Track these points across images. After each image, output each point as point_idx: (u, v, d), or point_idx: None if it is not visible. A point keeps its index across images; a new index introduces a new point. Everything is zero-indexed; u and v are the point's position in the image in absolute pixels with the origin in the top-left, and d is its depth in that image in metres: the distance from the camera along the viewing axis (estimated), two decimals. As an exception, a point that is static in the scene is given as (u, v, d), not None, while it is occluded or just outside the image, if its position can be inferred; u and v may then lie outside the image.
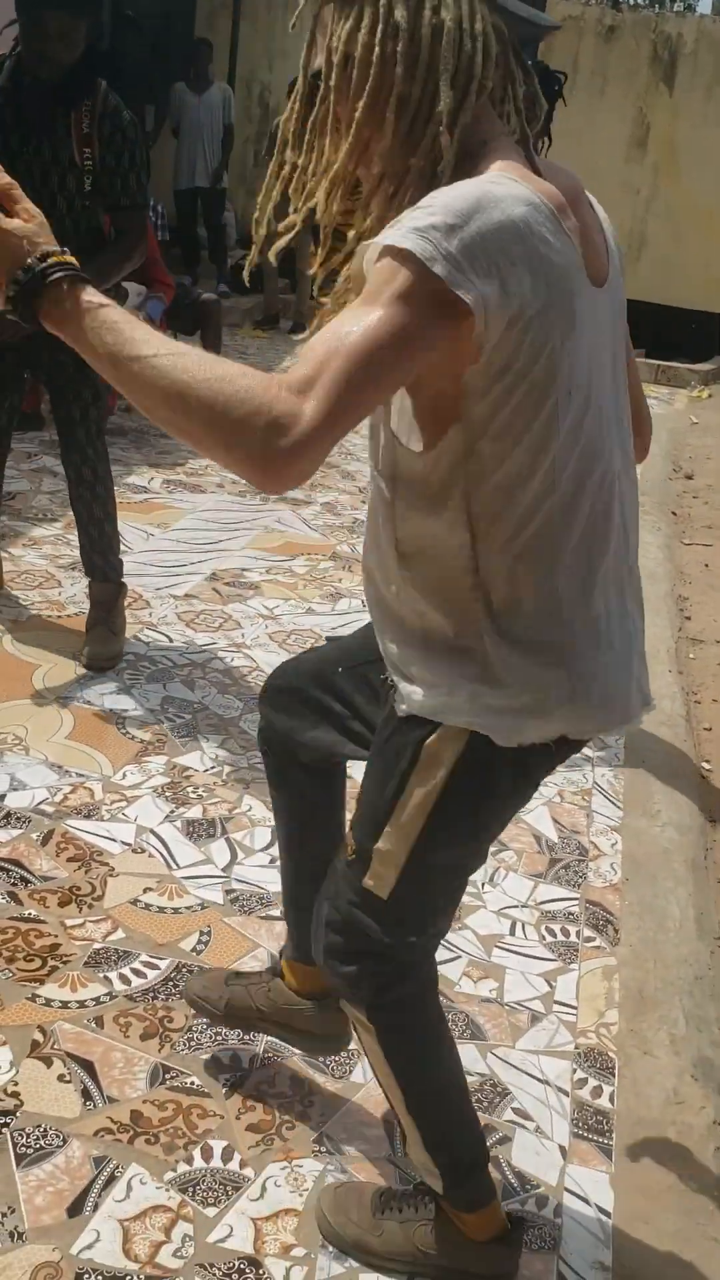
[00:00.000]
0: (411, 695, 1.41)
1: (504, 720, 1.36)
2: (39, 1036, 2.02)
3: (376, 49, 1.23)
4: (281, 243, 1.38)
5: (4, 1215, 1.69)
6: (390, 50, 1.23)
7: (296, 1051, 2.06)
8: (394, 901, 1.48)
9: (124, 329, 1.15)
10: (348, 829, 1.57)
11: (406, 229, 1.13)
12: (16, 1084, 1.92)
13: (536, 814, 2.95)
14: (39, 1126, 1.85)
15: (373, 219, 1.29)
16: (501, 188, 1.19)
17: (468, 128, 1.26)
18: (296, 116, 1.32)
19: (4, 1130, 1.83)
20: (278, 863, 2.58)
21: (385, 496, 1.38)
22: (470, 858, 1.53)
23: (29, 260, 1.17)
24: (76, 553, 3.74)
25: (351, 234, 1.33)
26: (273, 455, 1.08)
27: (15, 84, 2.97)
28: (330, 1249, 1.72)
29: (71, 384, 3.20)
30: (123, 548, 3.55)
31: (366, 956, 1.52)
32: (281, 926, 2.39)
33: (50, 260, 1.17)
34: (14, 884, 2.38)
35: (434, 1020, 1.62)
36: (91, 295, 1.17)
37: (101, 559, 3.46)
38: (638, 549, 1.47)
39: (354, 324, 1.12)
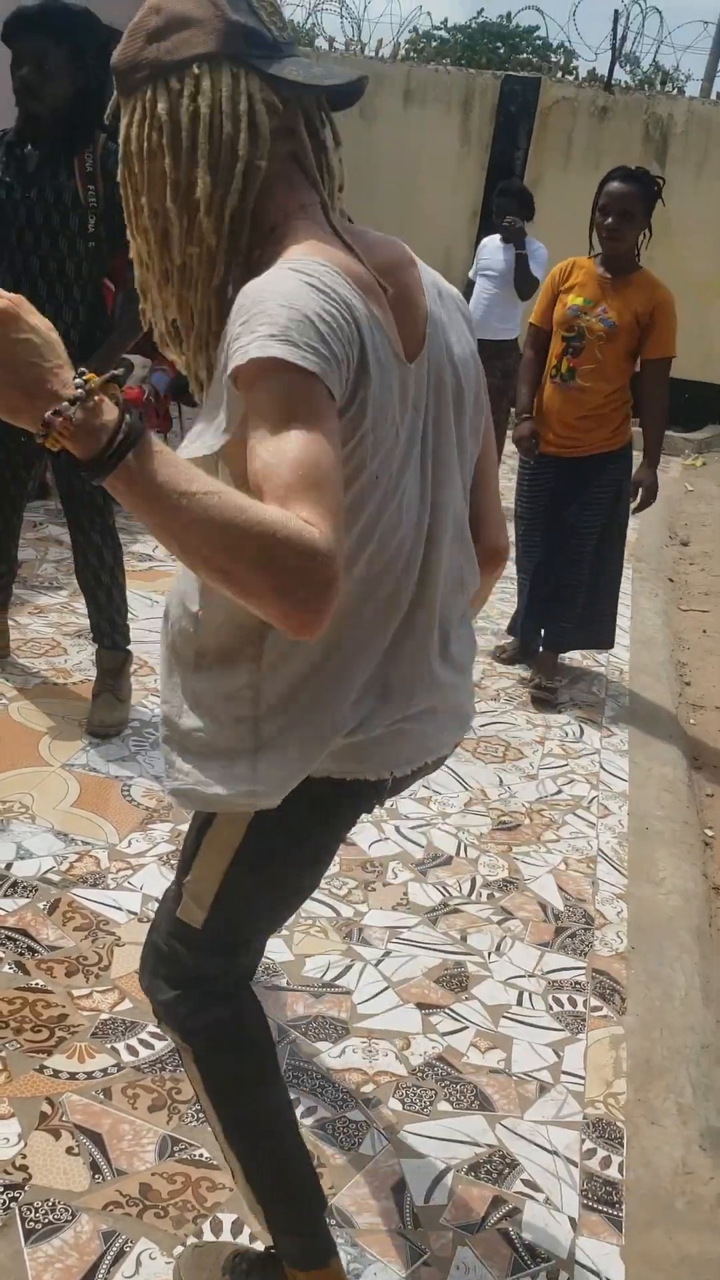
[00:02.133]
0: (180, 780, 1.40)
1: (269, 781, 1.34)
2: (47, 1108, 2.01)
3: (145, 142, 1.25)
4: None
5: (13, 1292, 1.68)
6: (156, 141, 1.24)
7: (305, 1123, 2.05)
8: (205, 932, 1.52)
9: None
10: None
11: (261, 338, 1.10)
12: (25, 1157, 1.91)
13: (542, 882, 2.96)
14: (48, 1200, 1.84)
15: (176, 311, 1.33)
16: (292, 281, 1.16)
17: (259, 207, 1.26)
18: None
19: (13, 1205, 1.82)
20: (283, 932, 2.59)
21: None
22: (282, 896, 1.56)
23: (71, 395, 1.05)
24: (82, 620, 3.77)
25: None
26: (321, 594, 1.03)
27: (19, 135, 3.13)
28: (341, 1325, 1.70)
29: None
30: (129, 615, 3.59)
31: (181, 983, 1.56)
32: (287, 996, 2.39)
33: (124, 419, 1.06)
34: (21, 954, 2.38)
35: (251, 1050, 1.61)
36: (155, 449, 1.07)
37: (109, 626, 3.50)
38: (445, 648, 1.46)
39: (304, 449, 1.07)
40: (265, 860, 1.46)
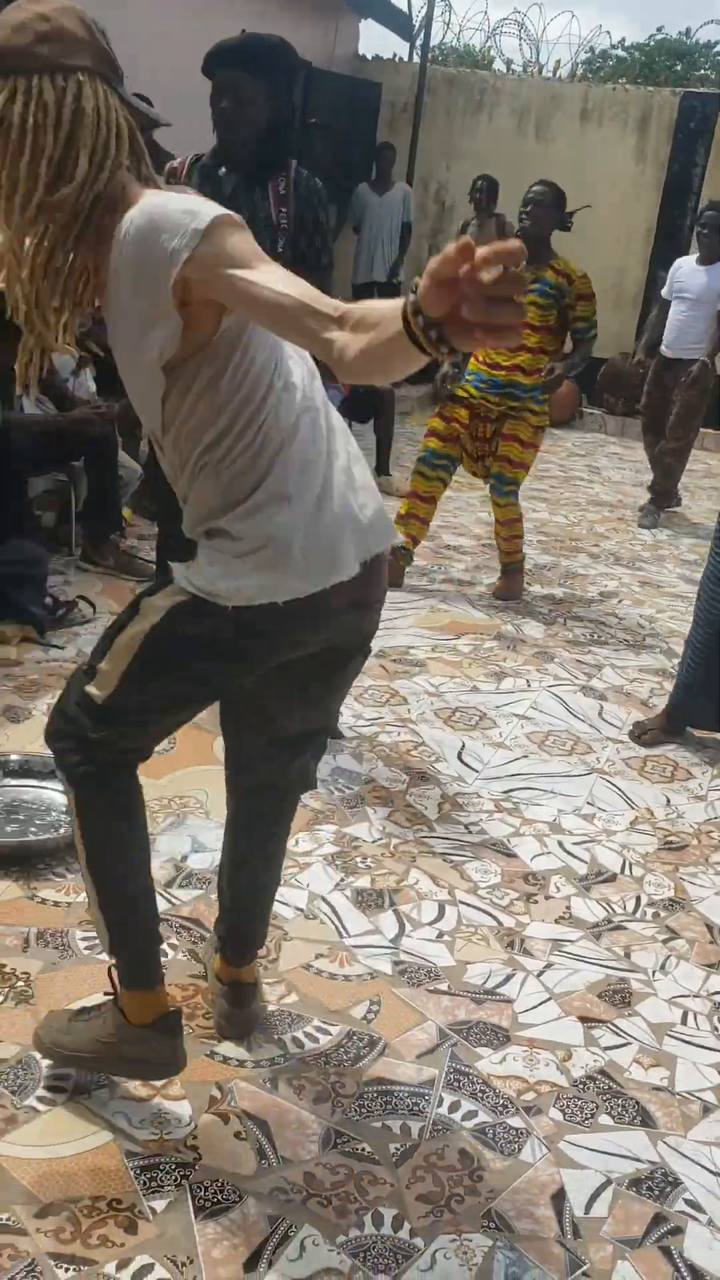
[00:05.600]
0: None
1: (229, 583, 1.69)
2: (216, 1093, 2.08)
3: (30, 119, 1.52)
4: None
5: (184, 1265, 1.74)
6: (39, 120, 1.53)
7: (465, 1126, 2.07)
8: (105, 708, 1.81)
9: None
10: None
11: (195, 225, 1.48)
12: (196, 1138, 1.98)
13: (709, 904, 2.90)
14: (216, 1180, 1.90)
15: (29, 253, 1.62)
16: (161, 197, 1.56)
17: (107, 185, 1.58)
18: None
19: (184, 1182, 1.89)
20: (445, 937, 2.62)
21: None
22: (181, 692, 1.85)
23: None
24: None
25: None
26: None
27: (215, 159, 3.30)
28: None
29: None
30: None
31: (75, 739, 1.85)
32: (448, 1000, 2.41)
33: None
34: (194, 942, 2.47)
35: (118, 804, 1.92)
36: None
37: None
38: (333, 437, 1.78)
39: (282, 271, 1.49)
40: (162, 663, 1.79)
